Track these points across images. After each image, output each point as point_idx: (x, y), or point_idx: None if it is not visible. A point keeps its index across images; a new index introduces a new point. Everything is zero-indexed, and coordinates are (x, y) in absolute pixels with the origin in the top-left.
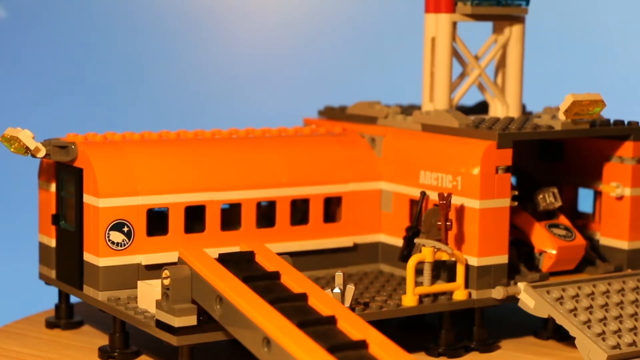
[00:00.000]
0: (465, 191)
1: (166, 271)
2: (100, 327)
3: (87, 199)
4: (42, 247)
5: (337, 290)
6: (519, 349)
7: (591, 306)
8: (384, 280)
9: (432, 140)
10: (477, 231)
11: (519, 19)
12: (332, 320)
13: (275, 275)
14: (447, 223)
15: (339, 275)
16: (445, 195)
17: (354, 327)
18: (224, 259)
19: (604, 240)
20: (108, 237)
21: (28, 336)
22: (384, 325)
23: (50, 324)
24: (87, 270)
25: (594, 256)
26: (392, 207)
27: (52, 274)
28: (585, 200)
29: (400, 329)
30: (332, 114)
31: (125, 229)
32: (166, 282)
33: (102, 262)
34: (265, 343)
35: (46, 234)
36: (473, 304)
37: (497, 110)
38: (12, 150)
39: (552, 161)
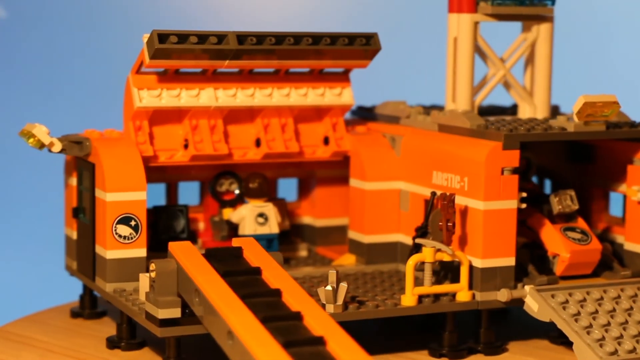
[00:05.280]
0: (471, 192)
1: (152, 264)
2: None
3: (97, 193)
4: (67, 240)
5: (328, 287)
6: (525, 352)
7: (596, 311)
8: (396, 280)
9: (443, 141)
10: (481, 233)
11: (547, 19)
12: (298, 316)
13: (257, 271)
14: (449, 224)
15: (332, 273)
16: (447, 195)
17: (319, 323)
18: (210, 254)
19: (628, 245)
20: (115, 230)
21: (50, 324)
22: (398, 325)
23: (75, 314)
24: (98, 262)
25: (612, 260)
26: (409, 207)
27: (75, 265)
28: (616, 203)
29: (415, 329)
30: (363, 113)
31: (133, 223)
32: (152, 275)
33: (110, 254)
34: (230, 336)
35: (70, 226)
36: (477, 305)
37: (525, 111)
38: (29, 144)
39: (581, 164)
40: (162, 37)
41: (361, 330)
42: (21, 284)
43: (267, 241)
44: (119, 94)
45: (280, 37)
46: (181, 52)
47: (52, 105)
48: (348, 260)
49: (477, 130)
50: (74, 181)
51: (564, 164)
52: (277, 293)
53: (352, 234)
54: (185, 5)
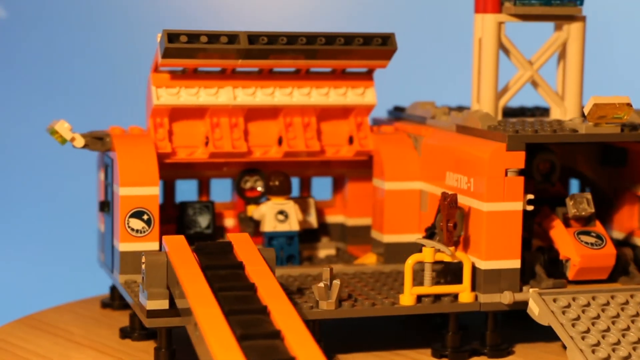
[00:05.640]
0: (475, 193)
1: (143, 257)
2: None
3: (114, 187)
4: (99, 233)
5: (321, 284)
6: (531, 356)
7: (598, 316)
8: None
9: (455, 141)
10: (484, 234)
11: (577, 19)
12: (264, 310)
13: (239, 266)
14: (449, 224)
15: (325, 270)
16: (449, 195)
17: (283, 319)
18: (199, 248)
19: None
20: (128, 223)
21: (78, 314)
22: (415, 325)
23: (105, 305)
24: (114, 255)
25: (629, 265)
26: (428, 207)
27: (103, 257)
28: None
29: (432, 329)
30: (397, 113)
31: (145, 217)
32: (143, 267)
33: (122, 247)
34: (195, 327)
35: (100, 220)
36: (479, 307)
37: (556, 112)
38: (55, 139)
39: (614, 167)
40: (172, 36)
41: (370, 328)
42: (57, 276)
43: (287, 238)
44: (118, 94)
45: (292, 37)
46: (193, 51)
47: (52, 105)
48: (369, 260)
49: (487, 131)
50: (102, 176)
51: (598, 167)
52: (252, 288)
53: (374, 233)
54: (185, 5)
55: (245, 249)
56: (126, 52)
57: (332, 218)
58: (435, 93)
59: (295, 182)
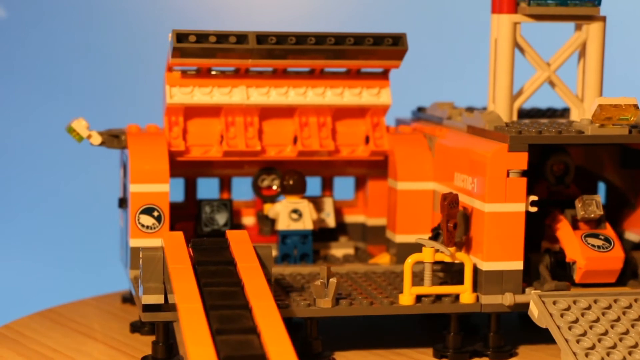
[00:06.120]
0: (477, 194)
1: (141, 252)
2: None
3: (127, 184)
4: (120, 229)
5: (317, 282)
6: (534, 358)
7: (598, 319)
8: (418, 280)
9: (462, 142)
10: (485, 235)
11: (597, 19)
12: (245, 306)
13: (231, 262)
14: (449, 224)
15: (323, 269)
16: (449, 195)
17: (263, 316)
18: (195, 245)
19: None
20: (138, 220)
21: (98, 308)
22: (423, 324)
23: (125, 299)
24: (127, 250)
25: (638, 268)
26: (439, 207)
27: (122, 253)
28: None
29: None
30: (419, 114)
31: (156, 214)
32: (140, 261)
33: (133, 242)
34: (177, 322)
35: (121, 217)
36: (479, 308)
37: (575, 114)
38: (73, 137)
39: (635, 170)
40: (181, 36)
41: (372, 326)
42: (82, 272)
43: (300, 237)
44: (119, 93)
45: (301, 37)
46: (202, 51)
47: (52, 105)
48: (383, 260)
49: (492, 132)
50: (122, 173)
51: (620, 170)
52: (239, 284)
53: (388, 233)
54: (185, 6)
55: (241, 246)
56: (126, 51)
57: (353, 217)
58: (467, 93)
59: (317, 181)
